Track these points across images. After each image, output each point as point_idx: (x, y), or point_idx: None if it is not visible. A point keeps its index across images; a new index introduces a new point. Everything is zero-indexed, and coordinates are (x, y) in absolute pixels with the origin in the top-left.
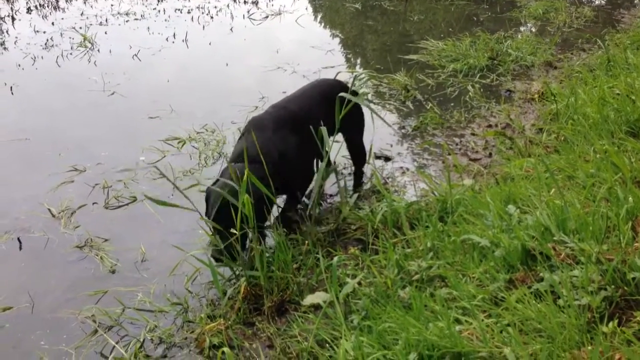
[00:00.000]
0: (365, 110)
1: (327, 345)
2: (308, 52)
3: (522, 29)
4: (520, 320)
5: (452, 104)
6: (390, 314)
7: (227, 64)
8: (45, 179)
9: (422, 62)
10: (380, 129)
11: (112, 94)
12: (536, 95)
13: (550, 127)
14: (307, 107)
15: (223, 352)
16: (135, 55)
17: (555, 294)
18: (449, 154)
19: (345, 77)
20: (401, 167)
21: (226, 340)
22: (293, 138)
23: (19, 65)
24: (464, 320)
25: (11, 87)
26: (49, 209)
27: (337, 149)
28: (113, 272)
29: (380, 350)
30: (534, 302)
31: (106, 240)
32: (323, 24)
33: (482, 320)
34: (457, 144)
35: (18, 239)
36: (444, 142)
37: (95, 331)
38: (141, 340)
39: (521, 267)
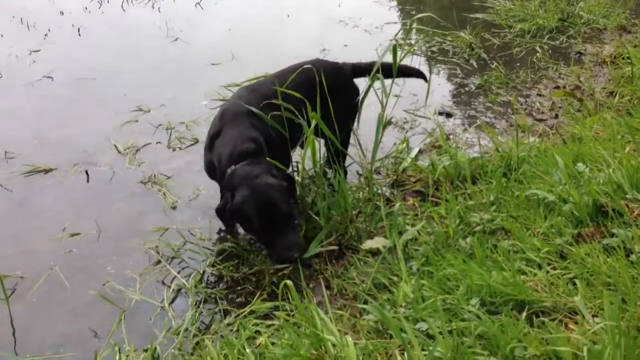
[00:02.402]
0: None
1: (385, 288)
2: (370, 7)
3: None
4: (588, 274)
5: (518, 64)
6: (451, 262)
7: (288, 15)
8: (112, 117)
9: (487, 21)
10: (444, 86)
11: (175, 39)
12: (608, 59)
13: (623, 89)
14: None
15: (285, 285)
16: (198, 3)
17: (627, 250)
18: (514, 113)
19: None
20: (463, 124)
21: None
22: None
23: (86, 9)
24: (527, 270)
25: (78, 29)
26: (115, 145)
27: (393, 103)
28: (174, 207)
29: (441, 295)
30: (603, 256)
31: (168, 177)
32: None
33: (547, 272)
34: (522, 104)
35: (86, 171)
36: (514, 97)
37: (158, 261)
38: (201, 272)
39: (591, 223)
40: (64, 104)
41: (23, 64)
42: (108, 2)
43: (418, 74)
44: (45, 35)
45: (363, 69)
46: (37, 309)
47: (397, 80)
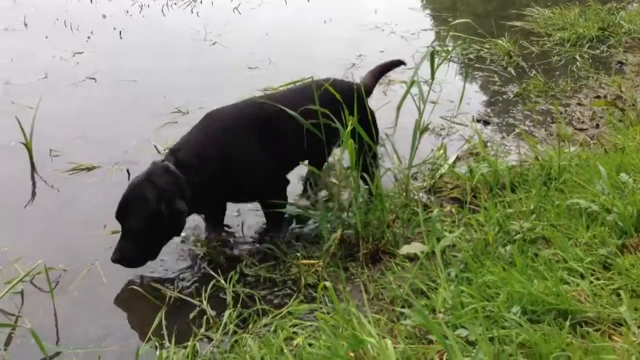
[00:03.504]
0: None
1: (422, 294)
2: (406, 13)
3: (634, 4)
4: (634, 285)
5: (557, 73)
6: (490, 269)
7: (324, 21)
8: (151, 118)
9: (526, 29)
10: (481, 93)
11: (214, 43)
12: None
13: None
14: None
15: (325, 287)
16: (236, 8)
17: None
18: (553, 122)
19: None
20: (501, 131)
21: (321, 281)
22: (253, 140)
23: (127, 12)
24: (570, 280)
25: (120, 32)
26: (155, 146)
27: (430, 110)
28: None
29: (481, 302)
30: None
31: None
32: None
33: (591, 282)
34: (561, 113)
35: (127, 170)
36: (556, 104)
37: (196, 260)
38: (239, 272)
39: (635, 234)
40: (106, 104)
41: (67, 66)
42: (149, 6)
43: (393, 63)
44: (88, 37)
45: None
46: (79, 303)
47: (433, 86)
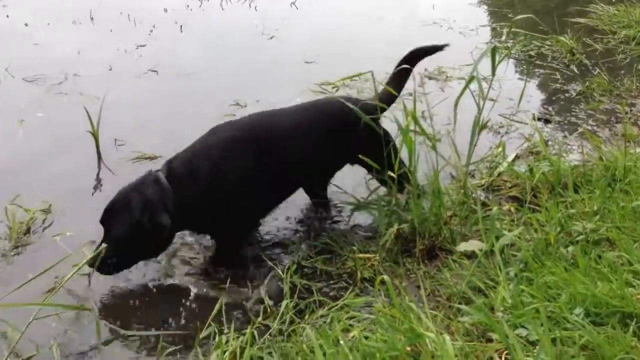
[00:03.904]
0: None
1: (480, 292)
2: (465, 9)
3: None
4: None
5: (622, 72)
6: (551, 269)
7: (381, 17)
8: (210, 110)
9: (589, 26)
10: (542, 91)
11: (271, 38)
12: None
13: None
14: (288, 135)
15: (382, 281)
16: (293, 3)
17: None
18: (618, 122)
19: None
20: (562, 130)
21: (377, 275)
22: (245, 164)
23: (188, 6)
24: (635, 283)
25: (180, 26)
26: None
27: (489, 107)
28: None
29: (541, 301)
30: None
31: None
32: None
33: None
34: (626, 113)
35: None
36: (623, 103)
37: (254, 250)
38: (296, 263)
39: None
40: (167, 96)
41: (130, 58)
42: (208, 0)
43: (430, 49)
44: (150, 31)
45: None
46: (141, 289)
47: (493, 84)
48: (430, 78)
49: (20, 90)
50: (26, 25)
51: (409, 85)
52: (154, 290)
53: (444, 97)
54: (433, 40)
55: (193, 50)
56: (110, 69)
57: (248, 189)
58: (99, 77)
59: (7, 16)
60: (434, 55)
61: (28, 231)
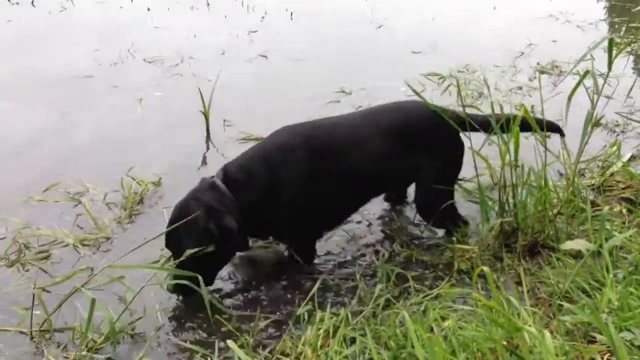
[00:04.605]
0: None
1: (584, 292)
2: (585, 1)
3: None
4: None
5: None
6: None
7: (494, 7)
8: (315, 96)
9: None
10: None
11: (380, 26)
12: None
13: None
14: (352, 142)
15: (482, 272)
16: None
17: None
18: None
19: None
20: None
21: (475, 267)
22: (308, 166)
23: None
24: None
25: (291, 13)
26: None
27: (603, 104)
28: None
29: None
30: None
31: None
32: None
33: None
34: None
35: None
36: None
37: (350, 239)
38: (390, 251)
39: None
40: (275, 81)
41: (242, 43)
42: None
43: (551, 127)
44: (262, 17)
45: (478, 122)
46: (234, 271)
47: (609, 79)
48: (542, 72)
49: (140, 70)
50: (148, 9)
51: (520, 79)
52: (244, 272)
53: (557, 92)
54: (545, 35)
55: (302, 37)
56: (223, 53)
57: (306, 196)
58: (212, 60)
59: (132, 1)
60: (546, 48)
61: (141, 201)
